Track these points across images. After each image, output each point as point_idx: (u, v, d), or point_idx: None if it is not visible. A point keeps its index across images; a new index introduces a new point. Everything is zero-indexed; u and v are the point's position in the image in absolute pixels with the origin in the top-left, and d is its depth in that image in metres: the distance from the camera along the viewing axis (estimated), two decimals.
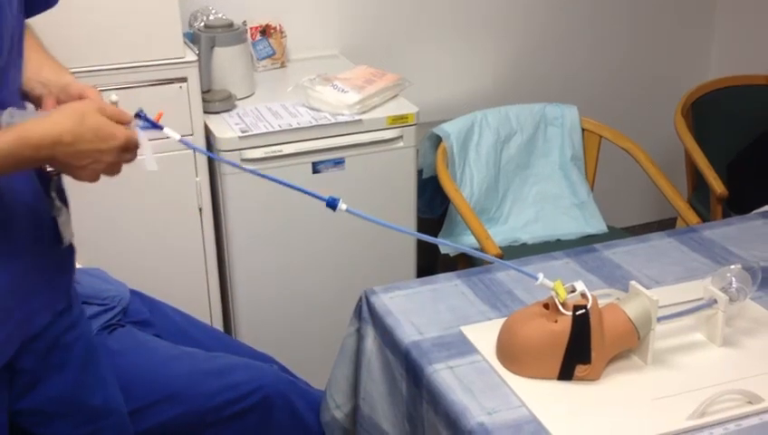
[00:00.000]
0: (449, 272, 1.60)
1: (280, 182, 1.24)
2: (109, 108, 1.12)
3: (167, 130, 1.19)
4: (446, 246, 2.42)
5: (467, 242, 2.35)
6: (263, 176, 1.25)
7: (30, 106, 1.18)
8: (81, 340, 1.35)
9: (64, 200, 1.31)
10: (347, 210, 1.23)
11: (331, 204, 1.22)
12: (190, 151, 2.09)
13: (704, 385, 1.25)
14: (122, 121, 1.12)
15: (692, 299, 1.36)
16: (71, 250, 1.32)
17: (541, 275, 1.27)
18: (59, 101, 1.18)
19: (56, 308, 1.27)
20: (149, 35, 1.96)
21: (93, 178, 1.13)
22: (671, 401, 1.23)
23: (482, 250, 2.11)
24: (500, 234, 2.43)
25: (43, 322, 1.25)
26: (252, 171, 1.27)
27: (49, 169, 1.26)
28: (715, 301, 1.34)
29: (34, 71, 1.22)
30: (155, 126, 1.18)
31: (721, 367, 1.31)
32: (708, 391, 1.23)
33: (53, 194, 1.26)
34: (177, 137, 1.20)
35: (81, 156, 1.08)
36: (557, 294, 1.26)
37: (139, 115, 1.17)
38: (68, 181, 1.22)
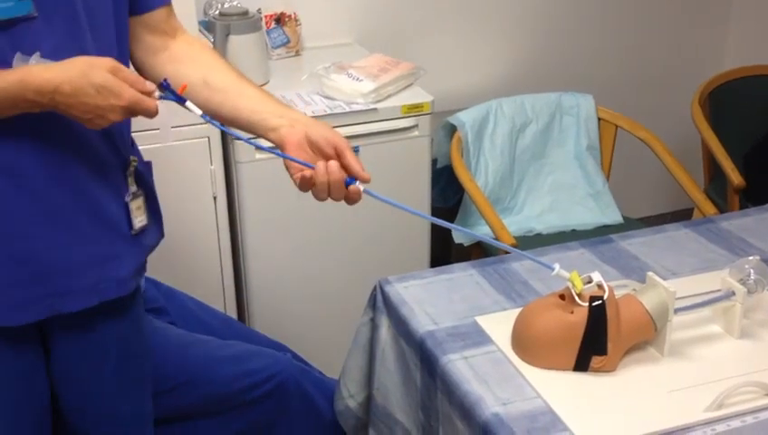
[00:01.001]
0: (464, 262, 1.59)
1: (297, 162, 1.23)
2: (126, 71, 1.12)
3: (189, 105, 1.19)
4: (461, 235, 2.42)
5: (481, 232, 2.33)
6: (284, 156, 1.25)
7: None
8: (121, 343, 1.33)
9: (145, 187, 1.31)
10: (364, 191, 1.23)
11: (348, 183, 1.23)
12: (204, 140, 2.09)
13: (721, 377, 1.24)
14: (140, 89, 1.12)
15: (709, 291, 1.35)
16: (138, 242, 1.29)
17: (557, 266, 1.26)
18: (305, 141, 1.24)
19: (102, 296, 1.24)
20: None
21: (100, 127, 1.13)
22: (688, 393, 1.22)
23: (496, 240, 2.10)
24: (514, 224, 2.42)
25: (79, 305, 1.23)
26: (275, 151, 1.26)
27: (132, 157, 1.28)
28: (733, 293, 1.33)
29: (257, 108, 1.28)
30: (178, 98, 1.18)
31: (738, 359, 1.30)
32: (725, 383, 1.22)
33: (130, 179, 1.27)
34: (199, 112, 1.20)
35: (81, 107, 1.08)
36: (573, 284, 1.25)
37: (162, 85, 1.16)
38: None
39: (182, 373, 1.67)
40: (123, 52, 1.25)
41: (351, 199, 1.23)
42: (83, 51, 1.13)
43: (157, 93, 1.15)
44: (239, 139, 1.30)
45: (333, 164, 1.21)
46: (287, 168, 1.25)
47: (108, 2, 1.19)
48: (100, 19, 1.17)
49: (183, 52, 1.33)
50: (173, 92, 1.17)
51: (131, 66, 1.31)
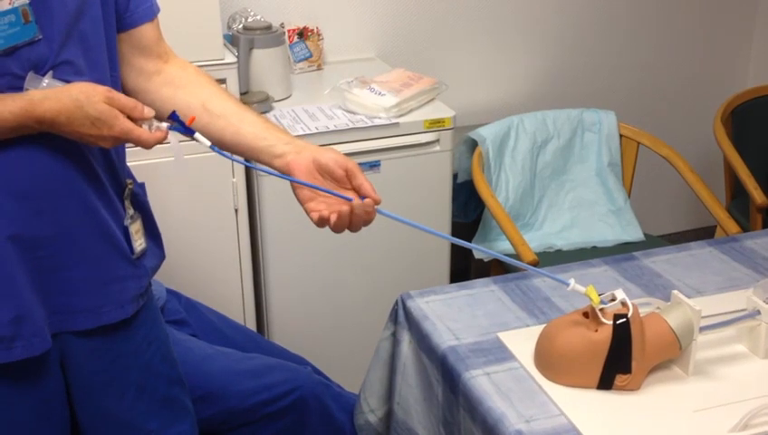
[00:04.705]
0: (484, 277, 1.59)
1: (308, 185, 1.23)
2: (122, 99, 1.13)
3: (197, 136, 1.20)
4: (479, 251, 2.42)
5: (502, 247, 2.33)
6: (298, 182, 1.25)
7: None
8: (139, 368, 1.33)
9: (142, 209, 1.32)
10: (378, 211, 1.23)
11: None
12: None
13: (746, 397, 1.23)
14: (131, 116, 1.13)
15: (734, 310, 1.34)
16: (141, 265, 1.29)
17: (572, 281, 1.26)
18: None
19: (104, 318, 1.25)
20: (190, 37, 1.97)
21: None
22: (713, 413, 1.21)
23: (517, 256, 2.10)
24: (535, 240, 2.41)
25: (80, 325, 1.23)
26: (287, 178, 1.26)
27: (128, 180, 1.29)
28: (759, 312, 1.32)
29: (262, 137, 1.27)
30: (187, 130, 1.18)
31: (764, 379, 1.29)
32: (751, 403, 1.21)
33: (127, 202, 1.27)
34: (208, 144, 1.21)
35: (77, 135, 1.11)
36: (590, 298, 1.24)
37: (171, 117, 1.18)
38: None
39: (202, 386, 1.68)
40: (115, 75, 1.25)
41: (367, 218, 1.23)
42: (80, 72, 1.15)
43: (164, 125, 1.16)
44: (252, 167, 1.28)
45: (356, 202, 1.20)
46: (297, 197, 1.24)
47: (99, 24, 1.20)
48: (93, 41, 1.18)
49: (178, 76, 1.32)
50: (182, 124, 1.18)
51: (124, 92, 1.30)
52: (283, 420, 1.73)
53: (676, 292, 1.30)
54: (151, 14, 1.30)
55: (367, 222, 1.23)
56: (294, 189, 1.24)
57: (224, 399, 1.68)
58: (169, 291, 1.87)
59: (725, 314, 1.33)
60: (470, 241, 2.23)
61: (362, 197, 1.22)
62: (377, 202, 1.23)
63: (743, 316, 1.32)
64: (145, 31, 1.29)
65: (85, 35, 1.16)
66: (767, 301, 1.32)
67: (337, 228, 1.22)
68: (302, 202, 1.24)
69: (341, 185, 1.24)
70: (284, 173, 1.25)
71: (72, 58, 1.14)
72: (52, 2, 1.11)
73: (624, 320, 1.23)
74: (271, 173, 1.27)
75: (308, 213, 1.23)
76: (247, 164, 1.28)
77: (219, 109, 1.29)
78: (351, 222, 1.21)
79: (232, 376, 1.71)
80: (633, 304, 1.25)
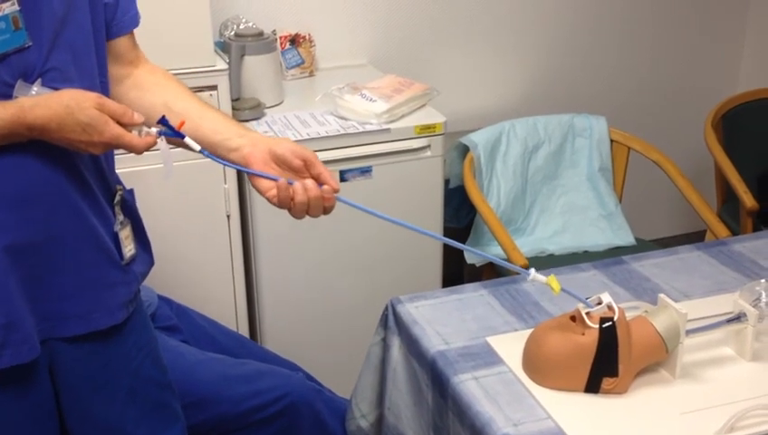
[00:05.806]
0: (475, 282, 1.60)
1: (263, 175, 1.24)
2: (112, 105, 1.13)
3: (187, 141, 1.21)
4: (471, 255, 2.42)
5: (494, 252, 2.34)
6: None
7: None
8: (129, 373, 1.33)
9: (131, 215, 1.32)
10: (337, 199, 1.24)
11: None
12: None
13: (733, 400, 1.24)
14: (121, 122, 1.14)
15: (721, 313, 1.35)
16: (130, 271, 1.30)
17: (532, 271, 1.27)
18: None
19: (93, 324, 1.25)
20: (181, 44, 1.98)
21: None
22: (699, 416, 1.22)
23: (508, 261, 2.10)
24: (526, 244, 2.42)
25: (71, 331, 1.24)
26: (244, 169, 1.27)
27: (118, 186, 1.29)
28: (745, 315, 1.33)
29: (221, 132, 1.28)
30: (176, 134, 1.19)
31: (750, 382, 1.30)
32: (737, 405, 1.21)
33: (117, 208, 1.28)
34: (197, 148, 1.22)
35: (67, 142, 1.12)
36: (551, 287, 1.25)
37: (161, 122, 1.18)
38: None
39: (194, 392, 1.68)
40: (104, 81, 1.26)
41: (327, 204, 1.24)
42: (68, 78, 1.16)
43: (154, 130, 1.17)
44: (246, 171, 1.29)
45: (310, 182, 1.22)
46: (257, 189, 1.25)
47: (87, 30, 1.20)
48: (81, 47, 1.19)
49: (146, 79, 1.34)
50: (171, 128, 1.19)
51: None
52: (275, 425, 1.74)
53: (662, 295, 1.31)
54: (135, 23, 1.31)
55: (326, 209, 1.25)
56: (253, 182, 1.26)
57: (215, 404, 1.69)
58: (161, 297, 1.87)
59: (712, 317, 1.34)
60: None
61: (321, 185, 1.23)
62: (335, 190, 1.24)
63: (729, 319, 1.33)
64: (124, 40, 1.31)
65: (73, 42, 1.17)
66: (753, 304, 1.33)
67: (297, 210, 1.23)
68: (262, 193, 1.25)
69: (300, 175, 1.25)
70: (242, 166, 1.26)
71: (59, 65, 1.15)
72: (42, 8, 1.12)
73: (610, 323, 1.24)
74: (233, 167, 1.28)
75: (270, 200, 1.24)
76: (239, 168, 1.29)
77: (180, 107, 1.30)
78: (310, 206, 1.23)
79: (223, 382, 1.71)
80: (619, 308, 1.26)
